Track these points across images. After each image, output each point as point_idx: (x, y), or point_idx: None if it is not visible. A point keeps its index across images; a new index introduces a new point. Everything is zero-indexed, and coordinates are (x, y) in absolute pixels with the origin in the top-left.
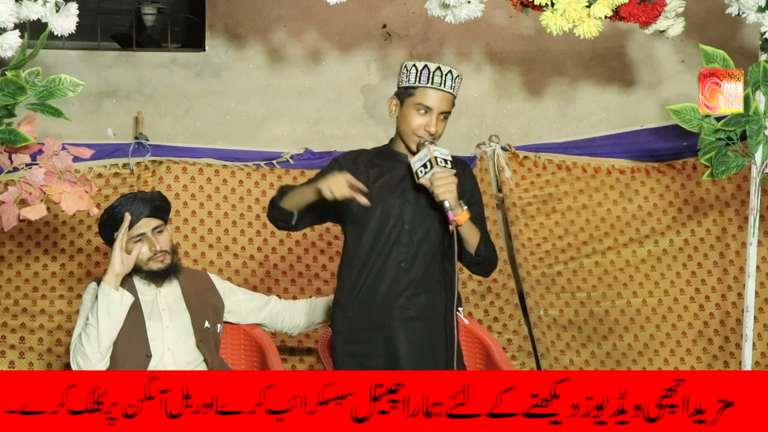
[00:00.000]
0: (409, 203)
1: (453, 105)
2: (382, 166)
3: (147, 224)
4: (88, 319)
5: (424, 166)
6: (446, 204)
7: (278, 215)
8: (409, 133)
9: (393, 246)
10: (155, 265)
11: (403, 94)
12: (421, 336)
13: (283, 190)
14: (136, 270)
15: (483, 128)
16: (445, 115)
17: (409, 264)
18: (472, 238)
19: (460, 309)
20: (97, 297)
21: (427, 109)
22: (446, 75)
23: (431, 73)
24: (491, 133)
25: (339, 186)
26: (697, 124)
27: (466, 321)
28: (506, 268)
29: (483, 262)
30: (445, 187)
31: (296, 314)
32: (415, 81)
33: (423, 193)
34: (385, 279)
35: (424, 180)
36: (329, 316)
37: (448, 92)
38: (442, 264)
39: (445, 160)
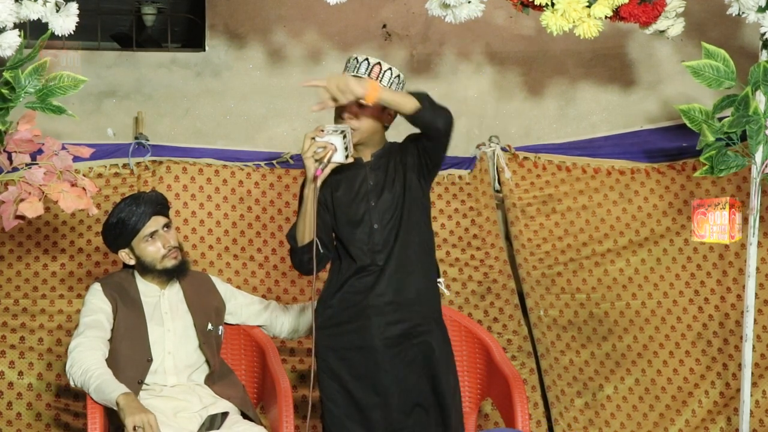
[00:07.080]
0: (373, 204)
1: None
2: (344, 172)
3: (156, 222)
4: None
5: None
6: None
7: (303, 255)
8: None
9: (366, 246)
10: (169, 263)
11: None
12: (396, 322)
13: (290, 235)
14: (147, 270)
15: (483, 128)
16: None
17: (383, 261)
18: (399, 98)
19: (440, 280)
20: (96, 297)
21: None
22: (362, 62)
23: (347, 65)
24: (491, 133)
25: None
26: (703, 125)
27: (446, 292)
28: (506, 268)
29: (431, 106)
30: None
31: (294, 318)
32: None
33: (384, 191)
34: (360, 278)
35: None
36: None
37: (358, 76)
38: (417, 252)
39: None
